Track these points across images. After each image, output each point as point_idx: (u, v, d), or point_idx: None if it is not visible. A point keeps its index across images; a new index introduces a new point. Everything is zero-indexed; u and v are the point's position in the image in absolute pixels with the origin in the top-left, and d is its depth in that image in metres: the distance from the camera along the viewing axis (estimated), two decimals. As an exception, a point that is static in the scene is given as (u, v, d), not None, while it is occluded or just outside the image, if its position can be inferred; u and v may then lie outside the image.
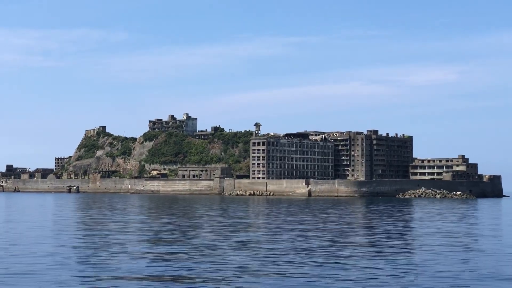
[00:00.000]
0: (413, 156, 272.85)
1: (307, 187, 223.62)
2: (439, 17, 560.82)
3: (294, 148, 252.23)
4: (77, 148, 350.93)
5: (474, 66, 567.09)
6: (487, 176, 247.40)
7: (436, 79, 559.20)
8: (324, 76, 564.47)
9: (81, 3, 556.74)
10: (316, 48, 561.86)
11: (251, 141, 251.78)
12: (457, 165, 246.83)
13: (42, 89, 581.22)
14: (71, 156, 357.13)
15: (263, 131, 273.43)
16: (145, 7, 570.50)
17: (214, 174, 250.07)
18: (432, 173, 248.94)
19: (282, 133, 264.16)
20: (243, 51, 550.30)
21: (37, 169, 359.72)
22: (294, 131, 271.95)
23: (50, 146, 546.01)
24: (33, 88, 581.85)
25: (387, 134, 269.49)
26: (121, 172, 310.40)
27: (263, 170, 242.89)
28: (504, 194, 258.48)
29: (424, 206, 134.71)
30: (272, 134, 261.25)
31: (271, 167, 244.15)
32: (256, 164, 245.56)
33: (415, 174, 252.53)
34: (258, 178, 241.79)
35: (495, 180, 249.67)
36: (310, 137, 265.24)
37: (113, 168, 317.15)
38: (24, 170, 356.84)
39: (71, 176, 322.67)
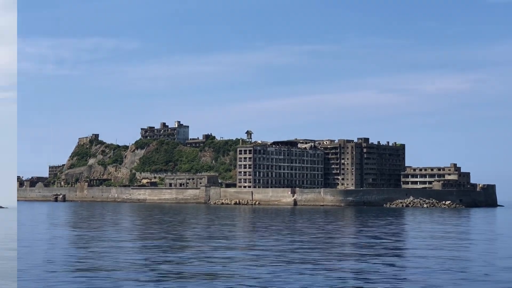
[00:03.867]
0: (406, 165, 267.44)
1: (293, 196, 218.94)
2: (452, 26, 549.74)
3: (282, 156, 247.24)
4: (70, 156, 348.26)
5: (486, 75, 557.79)
6: (480, 185, 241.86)
7: (446, 87, 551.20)
8: (334, 84, 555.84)
9: (94, 12, 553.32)
10: (328, 57, 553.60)
11: (238, 149, 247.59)
12: (449, 174, 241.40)
13: (52, 97, 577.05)
14: (64, 164, 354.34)
15: (256, 139, 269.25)
16: (157, 16, 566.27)
17: (200, 183, 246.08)
18: (424, 182, 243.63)
19: (272, 142, 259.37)
20: (253, 60, 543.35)
21: (32, 177, 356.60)
22: (285, 140, 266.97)
23: (45, 154, 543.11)
24: (44, 97, 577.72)
25: (379, 142, 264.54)
26: (112, 180, 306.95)
27: (249, 179, 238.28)
28: (498, 203, 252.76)
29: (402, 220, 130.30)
30: (259, 142, 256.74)
31: (257, 175, 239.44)
32: (242, 172, 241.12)
33: (407, 183, 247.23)
34: (245, 186, 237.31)
35: (489, 190, 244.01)
36: (299, 145, 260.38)
37: (105, 177, 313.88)
38: (17, 178, 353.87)
39: (62, 184, 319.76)
